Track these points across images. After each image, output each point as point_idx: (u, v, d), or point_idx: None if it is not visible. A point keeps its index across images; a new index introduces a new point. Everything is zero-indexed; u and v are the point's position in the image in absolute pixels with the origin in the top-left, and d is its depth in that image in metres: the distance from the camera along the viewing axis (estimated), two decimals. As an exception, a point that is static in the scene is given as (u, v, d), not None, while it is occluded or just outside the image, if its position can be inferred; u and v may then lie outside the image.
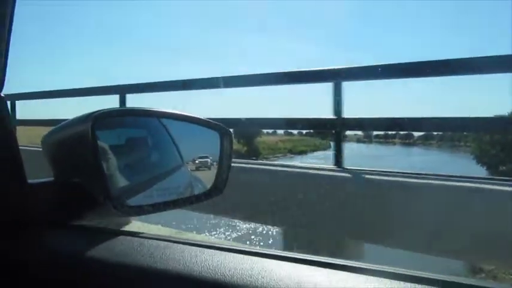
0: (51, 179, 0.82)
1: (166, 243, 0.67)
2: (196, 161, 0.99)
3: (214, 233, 7.59)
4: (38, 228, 0.79)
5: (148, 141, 0.97)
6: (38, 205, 0.80)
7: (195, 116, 0.94)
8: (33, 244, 0.76)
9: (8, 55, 0.78)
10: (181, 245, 0.65)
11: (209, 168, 0.98)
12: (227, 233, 7.70)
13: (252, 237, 7.29)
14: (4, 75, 0.80)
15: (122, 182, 0.84)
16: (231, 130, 0.99)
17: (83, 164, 0.78)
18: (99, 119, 0.76)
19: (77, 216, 0.82)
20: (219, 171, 0.95)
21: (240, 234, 7.64)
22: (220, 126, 0.97)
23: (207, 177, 0.97)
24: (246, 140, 21.47)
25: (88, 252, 0.68)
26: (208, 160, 0.99)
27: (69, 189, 0.79)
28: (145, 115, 0.93)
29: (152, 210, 0.87)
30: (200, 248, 0.63)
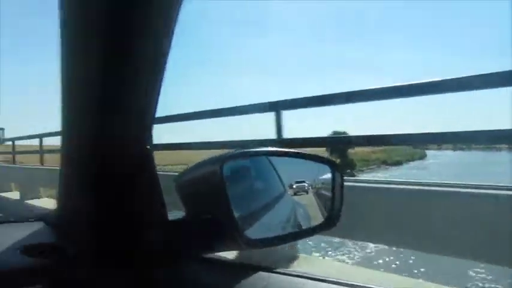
0: (184, 214, 0.92)
1: (301, 279, 0.71)
2: (294, 186, 1.03)
3: (344, 254, 7.41)
4: (177, 260, 0.89)
5: (252, 172, 1.03)
6: (176, 239, 0.90)
7: (306, 152, 1.02)
8: (174, 275, 0.87)
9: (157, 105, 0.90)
10: (318, 283, 0.69)
11: (307, 192, 1.03)
12: (356, 253, 7.47)
13: (386, 258, 6.96)
14: (151, 130, 0.92)
15: (245, 215, 0.90)
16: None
17: (213, 202, 0.87)
18: (226, 161, 0.86)
19: (208, 250, 0.91)
20: (332, 203, 0.99)
21: (370, 254, 7.31)
22: (330, 160, 1.03)
23: (307, 202, 1.03)
24: (339, 152, 21.21)
25: (227, 285, 0.75)
26: (305, 184, 1.03)
27: (201, 224, 0.88)
28: (268, 155, 1.02)
29: (278, 243, 0.94)
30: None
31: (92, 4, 0.74)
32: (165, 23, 0.79)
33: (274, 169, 1.03)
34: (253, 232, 0.88)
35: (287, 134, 4.85)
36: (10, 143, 12.73)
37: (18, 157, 12.47)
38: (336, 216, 0.99)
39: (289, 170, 1.03)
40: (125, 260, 0.90)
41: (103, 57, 0.81)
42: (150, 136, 0.94)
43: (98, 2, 0.74)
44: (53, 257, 0.88)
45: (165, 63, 0.84)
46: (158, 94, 0.89)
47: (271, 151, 1.01)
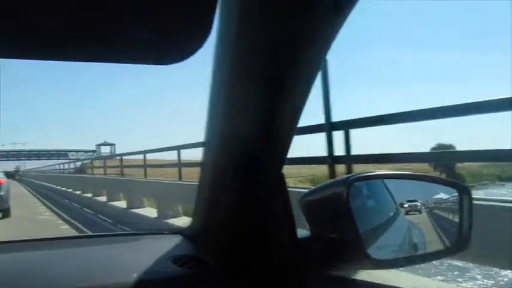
0: (308, 233, 0.96)
1: None
2: (406, 205, 1.02)
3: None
4: (305, 277, 0.93)
5: (364, 190, 1.02)
6: (303, 257, 0.94)
7: (431, 175, 1.02)
8: None
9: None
10: None
11: (420, 212, 1.02)
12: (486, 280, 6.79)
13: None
14: (288, 148, 0.96)
15: (366, 234, 0.91)
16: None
17: (338, 222, 0.91)
18: (353, 183, 0.90)
19: (334, 268, 0.95)
20: (460, 227, 0.98)
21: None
22: (458, 183, 1.01)
23: (420, 222, 1.01)
24: (444, 167, 19.92)
25: None
26: (418, 204, 1.02)
27: (327, 243, 0.92)
28: (397, 178, 1.04)
29: (405, 264, 0.96)
30: None
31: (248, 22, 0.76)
32: (318, 55, 0.82)
33: (386, 187, 1.04)
34: (375, 252, 0.90)
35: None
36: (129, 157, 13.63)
37: (126, 170, 13.73)
38: (465, 241, 0.97)
39: (397, 188, 1.03)
40: (258, 275, 0.95)
41: (256, 81, 0.84)
42: (286, 154, 0.97)
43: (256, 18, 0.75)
44: (198, 269, 0.96)
45: (312, 82, 0.86)
46: (300, 114, 0.91)
47: (393, 174, 1.03)
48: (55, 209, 11.57)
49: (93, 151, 73.28)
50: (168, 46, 0.46)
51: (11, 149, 69.57)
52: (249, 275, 0.95)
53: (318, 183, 1.16)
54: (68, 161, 35.94)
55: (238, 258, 0.97)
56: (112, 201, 10.93)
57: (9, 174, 12.09)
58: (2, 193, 9.84)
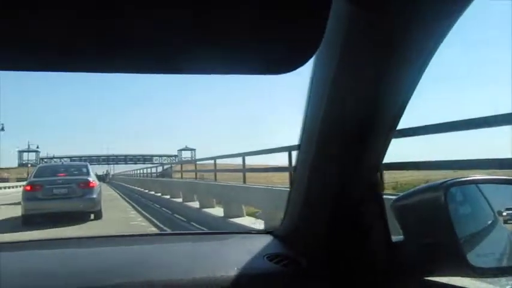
0: (402, 237, 0.94)
1: None
2: (504, 213, 0.98)
3: None
4: (399, 281, 0.94)
5: (458, 197, 0.97)
6: (398, 260, 0.94)
7: None
8: None
9: None
10: None
11: None
12: None
13: None
14: (385, 151, 0.96)
15: (463, 241, 0.86)
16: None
17: (434, 227, 0.87)
18: (450, 188, 0.87)
19: (429, 273, 0.91)
20: None
21: None
22: None
23: None
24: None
25: None
26: None
27: (422, 247, 0.89)
28: (494, 183, 1.00)
29: (510, 273, 0.93)
30: None
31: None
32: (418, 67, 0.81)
33: (481, 193, 0.99)
34: (475, 259, 0.85)
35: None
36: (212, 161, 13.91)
37: (202, 174, 14.61)
38: None
39: (494, 194, 0.99)
40: (351, 276, 0.97)
41: (355, 85, 0.87)
42: (382, 157, 0.98)
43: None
44: (291, 267, 1.00)
45: (414, 85, 0.86)
46: (399, 117, 0.91)
47: (490, 179, 0.99)
48: (143, 212, 12.04)
49: (175, 156, 76.52)
50: (280, 56, 0.44)
51: (101, 153, 75.17)
52: (341, 276, 0.97)
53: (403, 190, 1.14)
54: (151, 165, 37.91)
55: (331, 259, 1.00)
56: (187, 202, 11.58)
57: (100, 177, 11.99)
58: (94, 196, 9.96)
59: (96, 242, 1.37)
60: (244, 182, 9.29)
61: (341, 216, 0.99)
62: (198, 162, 15.34)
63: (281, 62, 0.45)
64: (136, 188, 22.07)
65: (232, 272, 0.95)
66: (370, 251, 0.98)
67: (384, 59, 0.81)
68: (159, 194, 15.55)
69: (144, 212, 11.92)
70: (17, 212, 10.05)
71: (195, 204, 10.89)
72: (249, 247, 1.11)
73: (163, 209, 12.91)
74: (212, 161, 12.01)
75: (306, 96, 0.97)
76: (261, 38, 0.43)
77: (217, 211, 9.44)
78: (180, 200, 12.48)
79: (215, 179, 11.80)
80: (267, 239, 1.17)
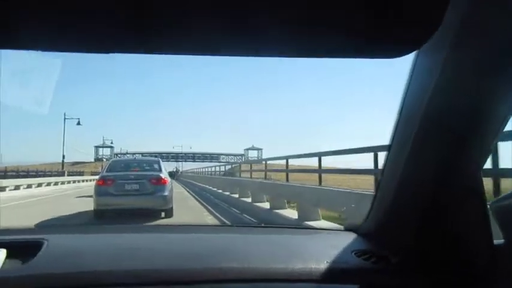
0: (502, 241, 0.90)
1: None
2: None
3: None
4: (506, 285, 0.90)
5: None
6: (500, 264, 0.90)
7: None
8: None
9: None
10: None
11: None
12: None
13: None
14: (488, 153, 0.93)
15: None
16: None
17: None
18: None
19: None
20: None
21: None
22: None
23: None
24: None
25: None
26: None
27: None
28: None
29: None
30: None
31: None
32: None
33: None
34: None
35: None
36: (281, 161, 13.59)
37: (270, 174, 14.38)
38: None
39: None
40: (447, 277, 0.95)
41: (464, 82, 0.83)
42: (485, 158, 0.94)
43: None
44: (380, 264, 1.02)
45: None
46: (509, 116, 0.87)
47: None
48: (214, 212, 11.81)
49: (242, 155, 78.09)
50: (396, 38, 0.42)
51: (170, 151, 78.19)
52: (434, 276, 0.96)
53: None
54: (219, 163, 38.78)
55: (423, 259, 0.99)
56: (256, 202, 11.42)
57: (170, 174, 11.75)
58: (166, 193, 9.63)
59: (184, 229, 1.53)
60: (320, 183, 8.86)
61: (435, 217, 0.97)
62: (268, 162, 15.09)
63: (397, 43, 0.44)
64: (204, 185, 22.38)
65: (323, 265, 1.00)
66: (468, 253, 0.94)
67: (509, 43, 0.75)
68: (228, 193, 15.61)
69: (215, 212, 11.75)
70: (89, 206, 10.24)
71: (265, 205, 10.69)
72: (335, 243, 1.16)
73: (233, 208, 12.83)
74: (280, 161, 11.62)
75: (401, 94, 0.96)
76: (374, 15, 0.41)
77: (290, 213, 9.16)
78: (249, 199, 12.37)
79: (287, 180, 11.47)
80: (351, 236, 1.22)
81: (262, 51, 0.45)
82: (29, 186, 22.20)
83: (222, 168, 29.03)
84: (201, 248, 1.17)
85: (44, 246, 1.07)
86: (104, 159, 68.06)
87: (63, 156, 40.96)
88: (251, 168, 17.54)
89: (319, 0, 0.40)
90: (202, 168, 38.75)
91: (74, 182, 32.28)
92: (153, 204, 9.47)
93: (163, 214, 9.65)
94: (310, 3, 0.40)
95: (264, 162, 16.41)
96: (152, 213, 9.30)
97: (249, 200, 12.28)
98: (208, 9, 0.39)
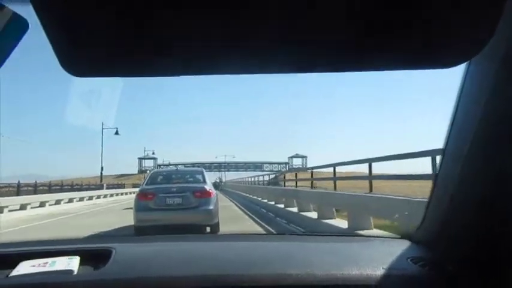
0: None
1: None
2: None
3: None
4: None
5: None
6: None
7: None
8: None
9: None
10: None
11: None
12: None
13: None
14: None
15: None
16: None
17: None
18: None
19: None
20: None
21: None
22: None
23: None
24: None
25: None
26: None
27: None
28: None
29: None
30: None
31: None
32: None
33: None
34: None
35: None
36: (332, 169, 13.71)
37: (323, 182, 14.17)
38: None
39: None
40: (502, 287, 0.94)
41: None
42: None
43: None
44: (437, 271, 1.03)
45: None
46: None
47: None
48: (265, 225, 11.25)
49: (286, 163, 77.74)
50: (450, 48, 0.43)
51: (213, 161, 79.08)
52: (494, 286, 0.96)
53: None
54: (262, 173, 38.82)
55: (482, 268, 0.97)
56: (302, 211, 11.23)
57: (214, 185, 10.91)
58: (211, 207, 8.92)
59: (242, 238, 1.65)
60: (371, 190, 8.61)
61: (493, 225, 0.96)
62: (314, 170, 14.88)
63: (450, 54, 0.45)
64: (251, 196, 22.28)
65: (379, 271, 1.03)
66: None
67: None
68: (273, 203, 15.58)
69: (265, 225, 11.35)
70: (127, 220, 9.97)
71: (312, 215, 10.53)
72: (390, 250, 1.18)
73: (278, 218, 12.76)
74: (326, 169, 11.30)
75: (456, 95, 0.98)
76: (431, 25, 0.43)
77: (339, 222, 8.94)
78: (295, 209, 12.25)
79: (335, 188, 11.24)
80: (406, 243, 1.24)
81: (321, 68, 0.48)
82: (58, 202, 21.19)
83: (266, 178, 29.02)
84: (260, 255, 1.25)
85: (113, 254, 1.17)
86: (147, 171, 69.71)
87: (102, 168, 41.66)
88: (296, 177, 17.34)
89: (377, 14, 0.41)
90: (246, 178, 38.89)
91: (112, 195, 32.41)
92: (198, 220, 8.82)
93: (208, 229, 8.96)
94: (369, 18, 0.42)
95: (309, 170, 16.22)
96: (196, 230, 8.72)
97: (295, 209, 12.14)
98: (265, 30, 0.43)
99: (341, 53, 0.45)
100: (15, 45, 0.63)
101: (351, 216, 8.14)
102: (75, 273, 1.07)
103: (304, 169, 23.84)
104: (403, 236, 1.30)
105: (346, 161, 11.43)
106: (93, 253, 1.20)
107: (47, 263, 1.11)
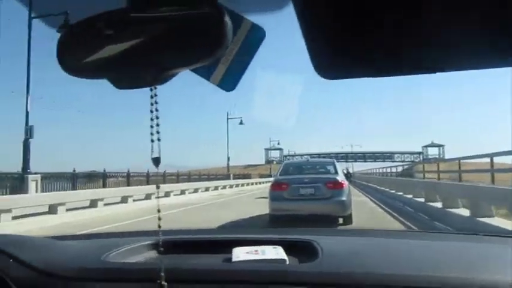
0: None
1: None
2: None
3: None
4: None
5: None
6: None
7: None
8: None
9: None
10: None
11: None
12: None
13: None
14: None
15: None
16: None
17: None
18: None
19: None
20: None
21: None
22: None
23: None
24: None
25: None
26: None
27: None
28: None
29: None
30: None
31: None
32: None
33: None
34: None
35: None
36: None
37: (465, 175, 12.77)
38: None
39: None
40: None
41: None
42: None
43: None
44: None
45: None
46: None
47: None
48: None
49: (419, 153, 73.74)
50: None
51: (339, 151, 78.02)
52: None
53: None
54: (392, 163, 37.21)
55: None
56: (448, 207, 10.38)
57: (345, 176, 10.99)
58: (344, 198, 9.06)
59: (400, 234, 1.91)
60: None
61: None
62: (456, 161, 13.35)
63: None
64: (387, 189, 20.68)
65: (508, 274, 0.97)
66: None
67: None
68: (410, 196, 14.67)
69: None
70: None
71: (461, 212, 9.69)
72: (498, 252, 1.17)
73: (420, 214, 11.88)
74: (470, 160, 10.12)
75: None
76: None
77: (500, 222, 8.07)
78: (438, 205, 11.35)
79: (492, 181, 9.87)
80: None
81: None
82: (183, 192, 22.27)
83: (397, 169, 27.63)
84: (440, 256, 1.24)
85: (318, 246, 1.20)
86: (274, 162, 71.44)
87: (228, 159, 43.78)
88: (438, 168, 15.74)
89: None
90: (374, 169, 37.80)
91: (237, 185, 33.79)
92: (331, 210, 9.06)
93: (341, 221, 9.22)
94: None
95: (452, 161, 14.72)
96: (329, 220, 8.97)
97: (439, 205, 11.22)
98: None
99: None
100: (254, 54, 0.68)
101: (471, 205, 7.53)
102: (287, 262, 1.13)
103: (441, 160, 21.94)
104: None
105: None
106: (294, 244, 1.27)
107: (257, 250, 1.18)
